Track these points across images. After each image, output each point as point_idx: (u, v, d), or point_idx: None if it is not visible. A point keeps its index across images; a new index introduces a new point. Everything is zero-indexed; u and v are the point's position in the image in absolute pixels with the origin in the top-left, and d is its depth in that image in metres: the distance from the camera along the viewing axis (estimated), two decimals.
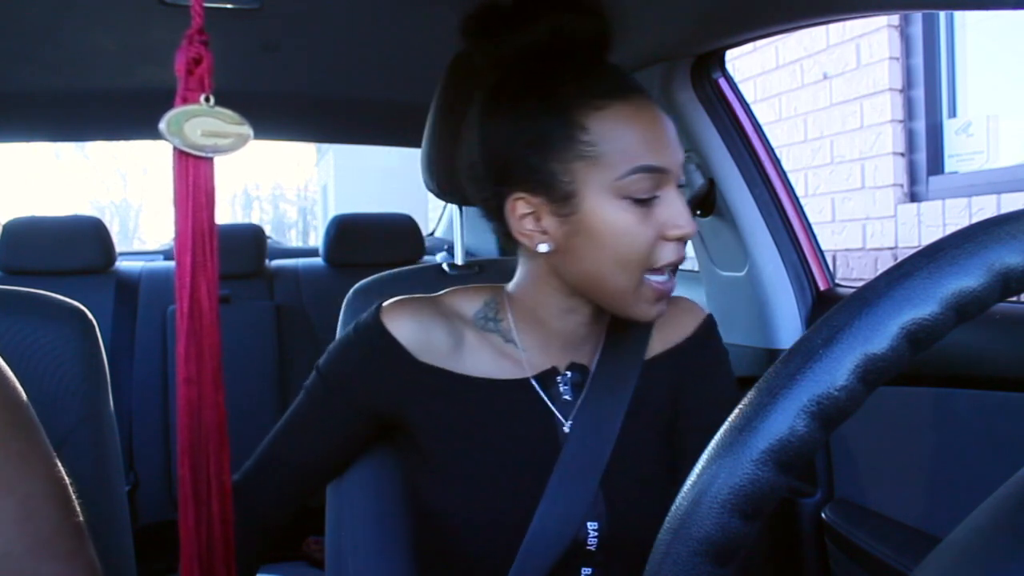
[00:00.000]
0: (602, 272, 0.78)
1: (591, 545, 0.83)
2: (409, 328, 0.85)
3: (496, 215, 0.83)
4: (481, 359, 0.87)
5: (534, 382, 0.87)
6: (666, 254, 0.77)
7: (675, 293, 0.96)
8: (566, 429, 0.85)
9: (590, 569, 0.84)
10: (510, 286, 0.90)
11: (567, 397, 0.87)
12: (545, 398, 0.86)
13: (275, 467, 0.91)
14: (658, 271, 0.78)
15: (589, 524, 0.83)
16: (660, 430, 0.89)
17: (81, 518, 0.64)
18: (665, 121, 0.78)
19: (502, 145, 0.80)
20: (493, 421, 0.85)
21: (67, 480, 0.64)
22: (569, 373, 0.88)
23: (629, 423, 0.85)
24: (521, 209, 0.80)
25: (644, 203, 0.76)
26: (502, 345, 0.87)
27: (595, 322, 0.87)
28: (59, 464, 0.63)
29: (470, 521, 0.83)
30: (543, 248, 0.80)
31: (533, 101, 0.78)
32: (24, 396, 0.64)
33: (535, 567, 0.80)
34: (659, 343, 0.92)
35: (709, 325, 0.94)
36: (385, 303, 0.88)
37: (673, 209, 0.76)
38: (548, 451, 0.84)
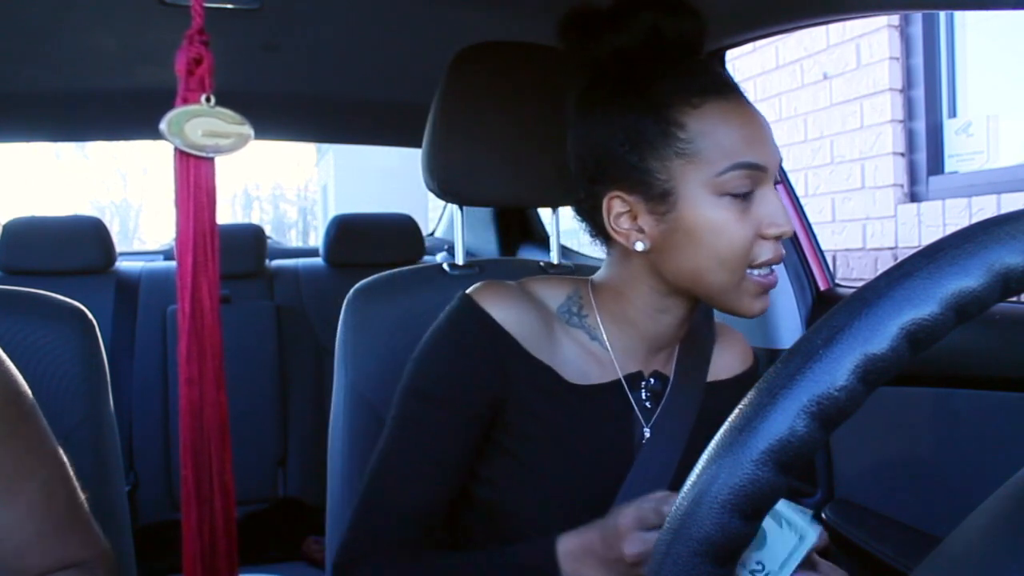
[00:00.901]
0: (701, 269, 0.78)
1: None
2: (510, 312, 0.80)
3: (590, 214, 0.84)
4: (571, 356, 0.84)
5: (624, 383, 0.85)
6: (764, 252, 0.77)
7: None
8: (647, 433, 0.85)
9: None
10: (595, 281, 0.88)
11: (647, 404, 0.87)
12: (632, 402, 0.86)
13: (397, 499, 0.82)
14: (766, 264, 0.78)
15: None
16: None
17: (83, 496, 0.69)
18: (761, 119, 0.78)
19: (598, 144, 0.80)
20: (580, 425, 0.83)
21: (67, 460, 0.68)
22: (652, 379, 0.87)
23: (694, 438, 0.86)
24: (617, 208, 0.80)
25: (742, 201, 0.76)
26: (587, 342, 0.85)
27: (682, 326, 0.86)
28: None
29: (540, 521, 0.80)
30: (640, 246, 0.79)
31: (629, 99, 0.78)
32: (26, 385, 0.67)
33: None
34: (723, 369, 0.93)
35: (758, 364, 0.97)
36: (471, 289, 0.82)
37: (771, 207, 0.76)
38: (624, 456, 0.84)
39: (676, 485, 0.82)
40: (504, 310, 0.80)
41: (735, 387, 0.92)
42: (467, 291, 0.82)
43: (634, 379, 0.86)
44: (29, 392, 0.70)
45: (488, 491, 0.84)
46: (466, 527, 0.87)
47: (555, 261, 1.15)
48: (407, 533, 0.81)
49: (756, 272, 0.78)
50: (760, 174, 0.76)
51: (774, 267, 0.80)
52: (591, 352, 0.85)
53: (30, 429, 0.68)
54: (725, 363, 0.93)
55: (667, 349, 0.88)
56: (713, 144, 0.75)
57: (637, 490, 0.81)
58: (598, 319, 0.85)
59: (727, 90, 0.77)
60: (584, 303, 0.86)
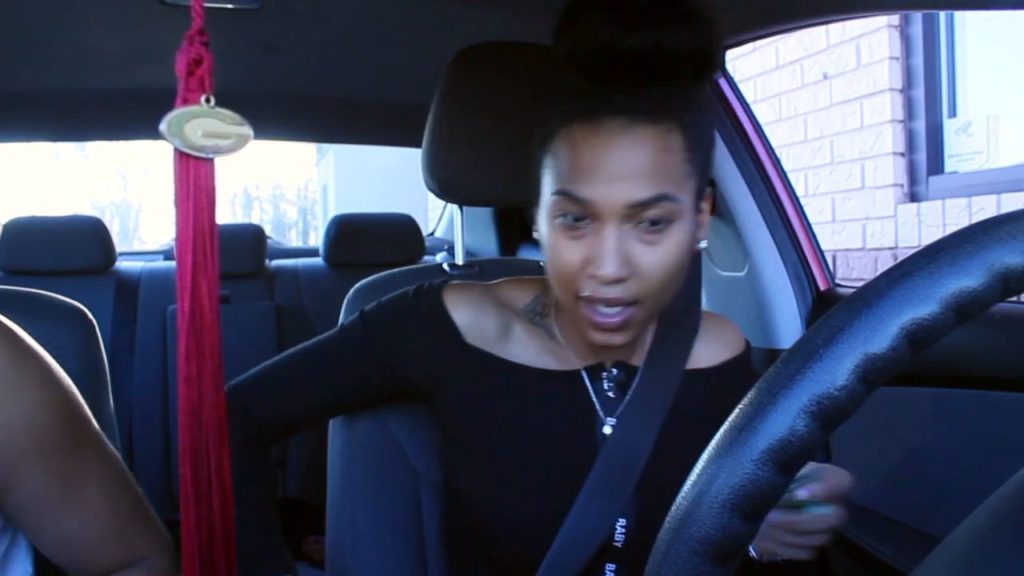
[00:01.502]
0: (550, 280, 0.80)
1: (618, 542, 0.83)
2: (465, 310, 0.87)
3: None
4: (528, 350, 0.88)
5: (584, 375, 0.87)
6: (586, 286, 0.76)
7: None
8: (606, 429, 0.86)
9: (614, 565, 0.84)
10: None
11: (611, 395, 0.87)
12: (591, 391, 0.87)
13: (283, 386, 0.91)
14: (591, 300, 0.76)
15: (618, 521, 0.83)
16: (701, 439, 0.88)
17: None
18: (622, 158, 0.73)
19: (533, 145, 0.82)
20: (533, 410, 0.86)
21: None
22: (615, 370, 0.88)
23: (669, 428, 0.86)
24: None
25: (573, 228, 0.75)
26: (547, 340, 0.88)
27: None
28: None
29: (502, 512, 0.83)
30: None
31: (546, 103, 0.79)
32: (78, 393, 0.69)
33: (566, 564, 0.80)
34: (708, 355, 0.92)
35: (747, 350, 0.97)
36: (448, 284, 0.90)
37: (596, 247, 0.74)
38: (587, 448, 0.85)
39: (648, 475, 0.84)
40: (460, 307, 0.87)
41: (719, 375, 0.92)
42: (441, 283, 0.89)
43: (595, 370, 0.88)
44: (82, 400, 0.71)
45: (455, 486, 0.88)
46: (448, 520, 0.92)
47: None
48: (270, 423, 0.91)
49: (584, 304, 0.77)
50: (589, 208, 0.74)
51: (618, 310, 0.77)
52: (551, 349, 0.88)
53: (90, 436, 0.70)
54: (710, 351, 0.92)
55: (635, 344, 0.88)
56: (556, 165, 0.76)
57: (605, 483, 0.82)
58: (553, 319, 0.89)
59: (606, 117, 0.74)
60: (547, 303, 0.90)
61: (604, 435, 0.85)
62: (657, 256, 0.75)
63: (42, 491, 0.64)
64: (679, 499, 0.36)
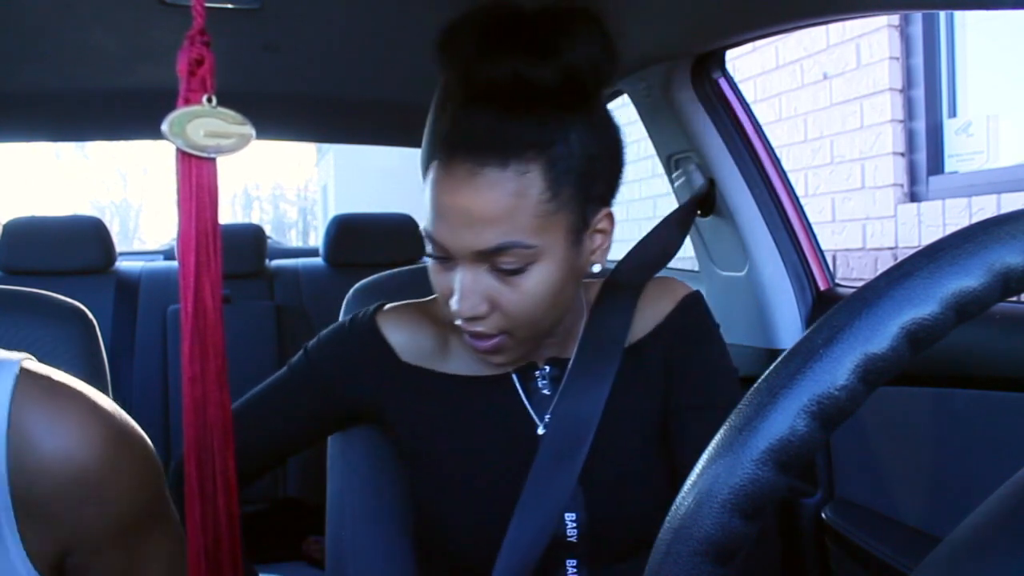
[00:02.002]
0: None
1: (571, 537, 0.83)
2: (400, 331, 0.90)
3: None
4: (464, 360, 0.89)
5: (514, 377, 0.88)
6: (452, 313, 0.77)
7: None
8: (540, 431, 0.86)
9: (575, 560, 0.84)
10: None
11: (546, 392, 0.88)
12: (521, 393, 0.88)
13: (243, 431, 0.91)
14: (464, 323, 0.77)
15: (567, 516, 0.83)
16: (646, 416, 0.89)
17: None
18: (467, 205, 0.72)
19: None
20: (471, 418, 0.87)
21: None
22: (548, 367, 0.89)
23: (611, 412, 0.85)
24: None
25: (438, 259, 0.77)
26: None
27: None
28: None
29: (454, 518, 0.85)
30: None
31: (430, 128, 0.80)
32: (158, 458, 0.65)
33: (518, 563, 0.81)
34: (641, 327, 0.90)
35: (691, 301, 0.92)
36: (382, 307, 0.92)
37: (455, 283, 0.76)
38: (526, 448, 0.85)
39: (593, 464, 0.83)
40: (394, 329, 0.90)
41: (654, 339, 0.90)
42: (375, 308, 0.92)
43: (527, 370, 0.89)
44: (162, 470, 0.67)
45: (415, 496, 0.90)
46: (417, 537, 0.94)
47: None
48: (246, 445, 0.90)
49: (456, 321, 0.78)
50: (441, 249, 0.75)
51: (482, 334, 0.78)
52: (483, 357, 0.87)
53: (167, 512, 0.65)
54: (646, 318, 0.91)
55: (560, 335, 0.88)
56: (425, 200, 0.77)
57: (546, 481, 0.82)
58: None
59: (460, 158, 0.72)
60: None
61: (538, 435, 0.86)
62: (517, 296, 0.75)
63: (110, 568, 0.60)
64: (679, 498, 0.36)
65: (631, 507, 0.84)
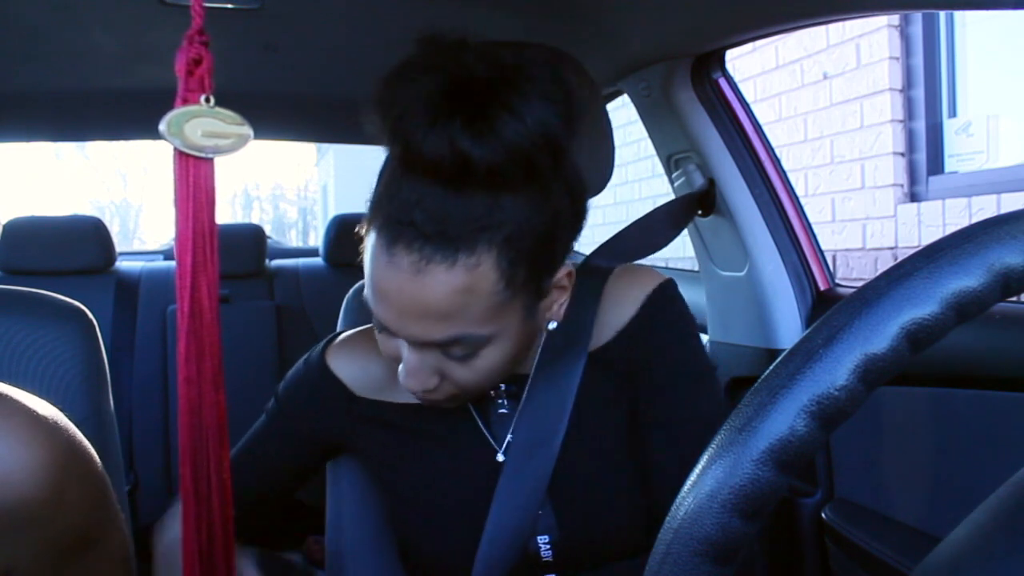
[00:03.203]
0: None
1: (547, 557, 0.82)
2: (350, 365, 0.88)
3: None
4: None
5: (470, 405, 0.84)
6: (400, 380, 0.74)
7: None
8: (499, 457, 0.83)
9: (553, 574, 0.83)
10: None
11: (504, 411, 0.84)
12: (478, 419, 0.84)
13: (237, 474, 0.90)
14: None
15: (539, 538, 0.81)
16: (615, 424, 0.84)
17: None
18: (412, 300, 0.66)
19: None
20: (431, 446, 0.86)
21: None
22: (503, 386, 0.84)
23: (577, 425, 0.81)
24: None
25: (385, 331, 0.72)
26: None
27: None
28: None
29: (425, 544, 0.84)
30: None
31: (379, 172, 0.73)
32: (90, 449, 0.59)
33: None
34: (607, 329, 0.84)
35: (660, 294, 0.84)
36: (333, 341, 0.91)
37: (403, 356, 0.72)
38: (488, 473, 0.82)
39: (561, 480, 0.80)
40: (343, 363, 0.88)
41: (617, 345, 0.84)
42: (325, 343, 0.90)
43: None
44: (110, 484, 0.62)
45: (394, 523, 0.90)
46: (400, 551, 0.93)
47: None
48: (245, 492, 0.87)
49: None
50: (384, 327, 0.71)
51: (434, 400, 0.75)
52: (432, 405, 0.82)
53: (108, 529, 0.59)
54: (611, 319, 0.84)
55: (529, 353, 0.82)
56: (365, 262, 0.70)
57: (510, 504, 0.79)
58: None
59: (399, 250, 0.65)
60: None
61: (498, 461, 0.83)
62: (468, 372, 0.71)
63: None
64: (679, 499, 0.36)
65: (605, 521, 0.81)
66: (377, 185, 0.71)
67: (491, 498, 0.80)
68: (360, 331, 0.91)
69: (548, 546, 0.82)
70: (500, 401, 0.85)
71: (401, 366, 0.73)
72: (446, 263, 0.64)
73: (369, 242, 0.69)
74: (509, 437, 0.83)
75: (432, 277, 0.64)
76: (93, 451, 0.55)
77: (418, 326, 0.67)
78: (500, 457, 0.83)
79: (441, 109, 0.61)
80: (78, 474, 0.53)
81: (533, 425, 0.80)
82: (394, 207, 0.65)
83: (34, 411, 0.51)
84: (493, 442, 0.84)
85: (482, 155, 0.61)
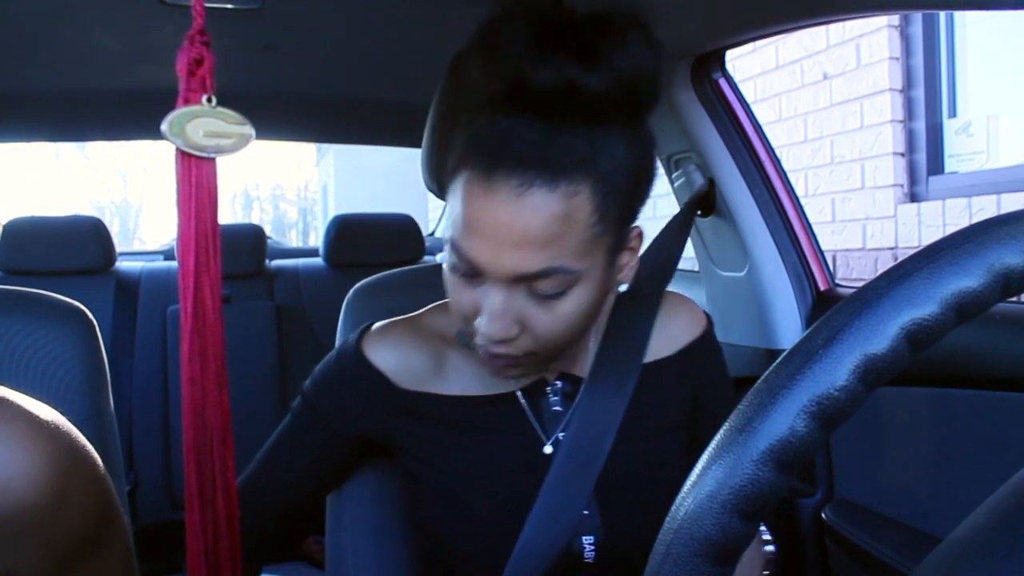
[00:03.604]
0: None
1: (588, 559, 0.82)
2: (390, 355, 0.84)
3: None
4: (464, 377, 0.85)
5: (520, 395, 0.84)
6: (476, 332, 0.72)
7: (677, 291, 0.96)
8: (547, 449, 0.83)
9: None
10: None
11: (557, 408, 0.85)
12: (528, 412, 0.84)
13: (265, 482, 0.90)
14: (488, 344, 0.73)
15: (584, 539, 0.81)
16: (669, 433, 0.87)
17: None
18: (511, 226, 0.66)
19: None
20: (476, 439, 0.84)
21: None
22: (559, 383, 0.85)
23: (631, 429, 0.82)
24: None
25: (463, 276, 0.71)
26: (484, 363, 0.83)
27: None
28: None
29: (458, 540, 0.82)
30: None
31: (453, 133, 0.74)
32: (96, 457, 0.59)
33: None
34: (666, 345, 0.88)
35: (711, 328, 0.92)
36: (368, 330, 0.87)
37: (485, 304, 0.70)
38: (532, 468, 0.82)
39: (610, 483, 0.81)
40: (383, 354, 0.84)
41: (678, 362, 0.88)
42: (359, 333, 0.87)
43: (536, 387, 0.85)
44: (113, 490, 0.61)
45: (417, 519, 0.88)
46: (420, 558, 0.92)
47: None
48: (275, 501, 0.89)
49: (479, 342, 0.73)
50: (474, 267, 0.69)
51: (505, 356, 0.73)
52: (488, 372, 0.82)
53: (111, 533, 0.59)
54: (668, 338, 0.88)
55: (568, 353, 0.83)
56: (451, 207, 0.71)
57: (555, 502, 0.79)
58: None
59: (499, 177, 0.66)
60: None
61: (546, 455, 0.82)
62: (551, 318, 0.71)
63: None
64: (679, 499, 0.36)
65: (649, 526, 0.81)
66: (458, 129, 0.72)
67: (534, 495, 0.79)
68: (396, 321, 0.88)
69: (592, 547, 0.81)
70: (554, 399, 0.85)
71: (481, 317, 0.71)
72: (547, 187, 0.65)
73: (458, 186, 0.69)
74: (560, 434, 0.83)
75: (533, 201, 0.65)
76: (96, 454, 0.55)
77: (515, 256, 0.67)
78: (548, 449, 0.83)
79: (549, 41, 0.64)
80: (80, 478, 0.52)
81: (586, 423, 0.81)
82: (492, 143, 0.67)
83: (36, 415, 0.50)
84: (542, 434, 0.83)
85: (590, 84, 0.63)
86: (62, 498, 0.50)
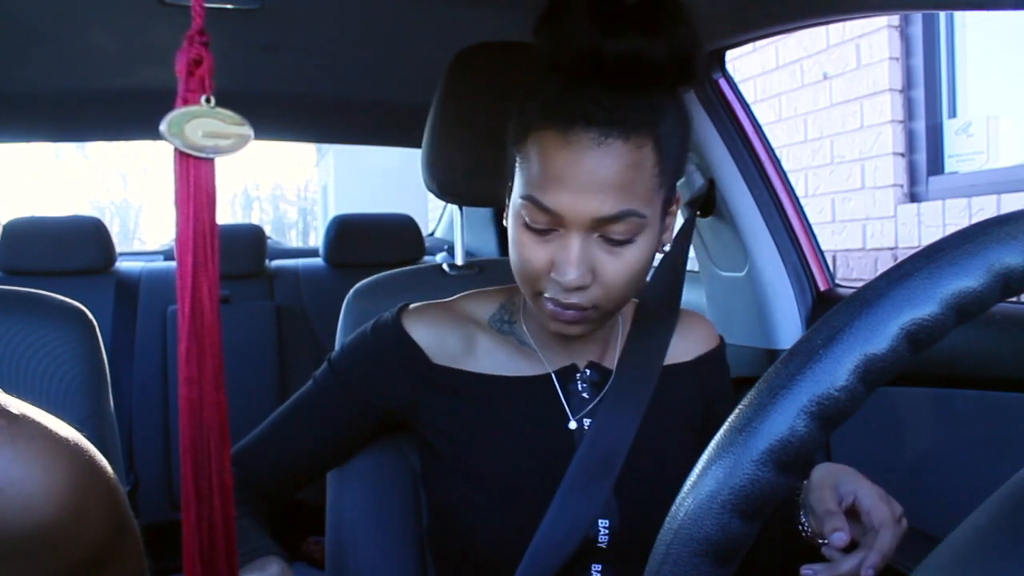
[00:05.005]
0: (515, 276, 0.82)
1: (602, 543, 0.83)
2: (426, 331, 0.89)
3: None
4: (497, 359, 0.89)
5: (554, 377, 0.88)
6: (550, 287, 0.78)
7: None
8: (571, 424, 0.87)
9: (600, 565, 0.84)
10: None
11: (585, 395, 0.88)
12: (560, 394, 0.88)
13: (275, 447, 0.92)
14: (552, 300, 0.78)
15: (600, 522, 0.83)
16: (686, 435, 0.92)
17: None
18: (591, 172, 0.73)
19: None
20: (506, 417, 0.87)
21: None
22: (588, 371, 0.89)
23: (649, 425, 0.86)
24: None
25: (538, 232, 0.77)
26: (518, 346, 0.90)
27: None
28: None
29: (481, 517, 0.84)
30: None
31: (523, 101, 0.80)
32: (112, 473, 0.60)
33: (544, 566, 0.80)
34: (685, 351, 0.94)
35: (724, 345, 0.99)
36: (406, 308, 0.91)
37: (562, 253, 0.76)
38: (561, 449, 0.85)
39: (628, 473, 0.84)
40: (422, 329, 0.89)
41: (695, 368, 0.94)
42: (398, 311, 0.91)
43: (568, 372, 0.89)
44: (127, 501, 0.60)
45: (436, 497, 0.90)
46: (432, 537, 0.93)
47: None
48: (274, 486, 0.92)
49: (549, 299, 0.79)
50: (554, 218, 0.75)
51: (576, 305, 0.78)
52: (523, 354, 0.89)
53: (125, 542, 0.61)
54: (686, 346, 0.95)
55: (599, 341, 0.90)
56: (526, 168, 0.77)
57: (581, 484, 0.83)
58: (523, 324, 0.91)
59: (578, 127, 0.73)
60: (514, 310, 0.92)
61: (572, 433, 0.86)
62: (620, 265, 0.77)
63: None
64: (679, 499, 0.36)
65: (663, 516, 0.83)
66: (529, 94, 0.78)
67: (556, 470, 0.83)
68: (431, 303, 0.92)
69: (606, 531, 0.83)
70: (582, 385, 0.89)
71: (565, 266, 0.75)
72: (622, 138, 0.73)
73: (532, 148, 0.76)
74: (586, 419, 0.87)
75: (610, 151, 0.73)
76: (109, 467, 0.55)
77: (596, 200, 0.73)
78: (572, 425, 0.87)
79: (617, 14, 0.72)
80: (98, 494, 0.51)
81: (614, 411, 0.86)
82: (565, 111, 0.74)
83: (55, 433, 0.49)
84: (569, 412, 0.87)
85: (653, 53, 0.72)
86: (81, 515, 0.49)
